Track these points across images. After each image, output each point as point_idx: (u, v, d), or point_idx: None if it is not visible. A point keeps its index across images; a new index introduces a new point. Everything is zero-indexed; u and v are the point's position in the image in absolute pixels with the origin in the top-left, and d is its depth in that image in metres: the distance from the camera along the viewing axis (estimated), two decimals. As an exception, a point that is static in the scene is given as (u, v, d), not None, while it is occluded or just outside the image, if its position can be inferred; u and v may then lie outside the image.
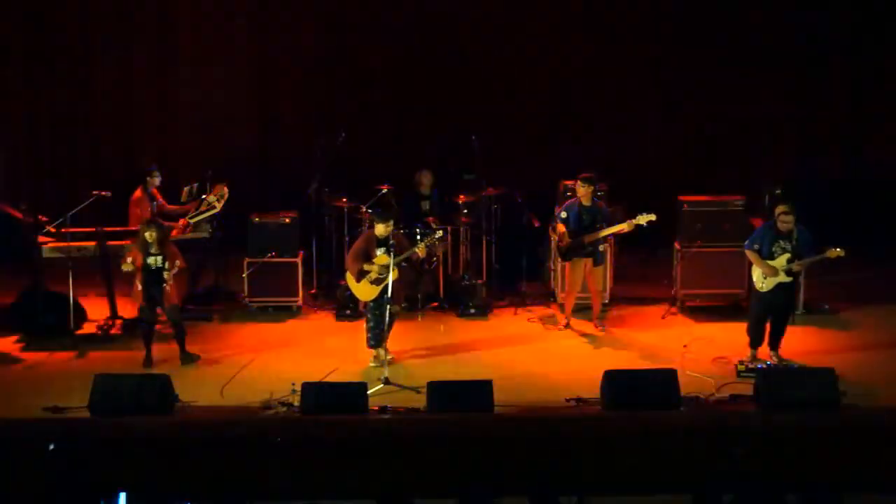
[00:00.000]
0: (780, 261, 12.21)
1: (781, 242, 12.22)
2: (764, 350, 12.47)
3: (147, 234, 12.44)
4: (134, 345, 13.04)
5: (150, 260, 12.43)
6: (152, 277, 12.45)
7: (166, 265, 12.45)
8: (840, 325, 13.73)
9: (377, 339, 12.47)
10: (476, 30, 16.70)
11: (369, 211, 14.31)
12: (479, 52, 16.70)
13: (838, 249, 12.06)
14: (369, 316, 12.52)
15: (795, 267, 12.20)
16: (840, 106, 16.98)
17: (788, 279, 12.25)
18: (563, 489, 8.50)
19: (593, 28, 16.75)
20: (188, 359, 12.61)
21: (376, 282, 12.36)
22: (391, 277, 12.20)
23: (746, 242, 12.49)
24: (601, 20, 16.73)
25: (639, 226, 13.19)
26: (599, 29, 16.75)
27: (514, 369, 12.38)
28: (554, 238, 13.97)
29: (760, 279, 12.31)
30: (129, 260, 12.45)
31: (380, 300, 12.34)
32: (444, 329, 13.82)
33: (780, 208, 12.32)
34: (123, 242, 13.54)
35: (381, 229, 12.39)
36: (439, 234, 13.17)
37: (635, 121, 16.82)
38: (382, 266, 12.31)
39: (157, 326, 12.80)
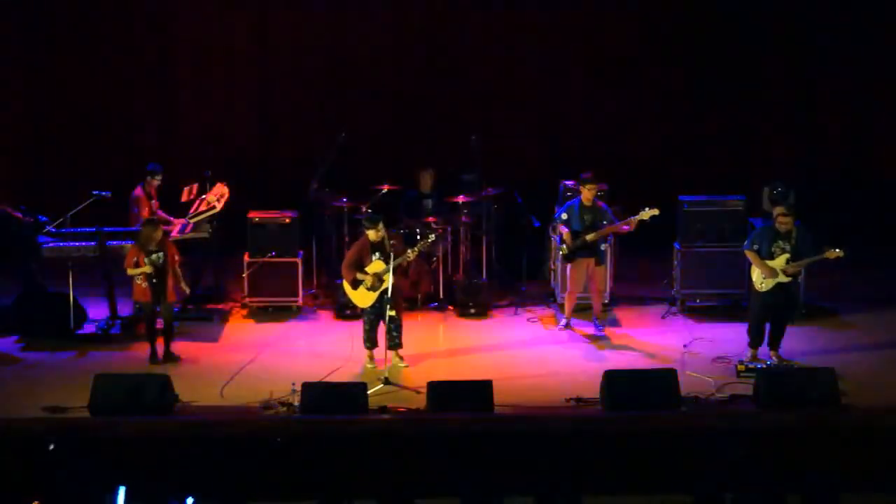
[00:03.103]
0: (780, 261, 12.19)
1: (781, 242, 12.19)
2: (764, 350, 12.47)
3: (153, 233, 12.49)
4: (134, 345, 13.06)
5: (154, 257, 12.46)
6: (157, 275, 12.47)
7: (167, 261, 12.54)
8: (840, 325, 13.71)
9: (372, 341, 12.46)
10: (476, 29, 16.70)
11: (368, 211, 14.31)
12: (480, 51, 16.70)
13: (837, 250, 12.02)
14: (365, 319, 12.50)
15: (791, 268, 12.16)
16: (841, 105, 16.97)
17: (787, 279, 12.23)
18: (563, 489, 8.51)
19: (593, 27, 16.75)
20: (171, 358, 12.60)
21: (372, 289, 12.34)
22: (389, 283, 12.14)
23: (746, 242, 12.47)
24: (601, 19, 16.73)
25: (642, 222, 13.19)
26: (599, 28, 16.74)
27: (514, 369, 12.37)
28: (555, 241, 13.93)
29: (760, 279, 12.28)
30: (133, 261, 12.45)
31: (378, 304, 12.30)
32: (445, 328, 13.83)
33: (777, 209, 12.32)
34: (123, 242, 13.56)
35: (372, 234, 12.29)
36: (432, 237, 13.09)
37: (635, 120, 16.82)
38: (376, 274, 12.27)
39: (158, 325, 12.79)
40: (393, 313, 12.24)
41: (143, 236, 12.57)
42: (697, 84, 16.73)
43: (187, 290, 13.00)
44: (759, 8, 16.69)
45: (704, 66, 16.72)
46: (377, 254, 12.29)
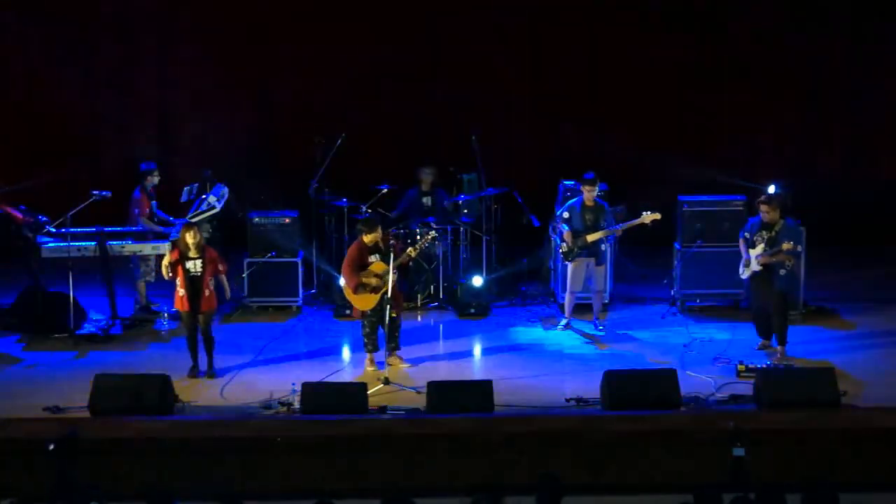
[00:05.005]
0: (758, 250, 12.43)
1: (763, 233, 12.44)
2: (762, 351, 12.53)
3: (188, 237, 11.96)
4: (134, 345, 13.07)
5: (189, 265, 11.97)
6: (193, 284, 12.00)
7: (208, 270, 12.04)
8: (840, 325, 13.72)
9: (373, 344, 12.41)
10: (476, 29, 16.69)
11: (369, 211, 14.31)
12: (480, 51, 16.69)
13: (790, 243, 12.14)
14: (365, 322, 12.41)
15: (758, 261, 12.34)
16: (841, 105, 16.97)
17: (759, 268, 12.41)
18: (563, 489, 8.50)
19: (593, 27, 16.75)
20: (213, 372, 12.20)
21: (375, 290, 12.27)
22: (390, 283, 12.12)
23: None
24: (601, 19, 16.73)
25: (643, 224, 13.21)
26: (600, 27, 16.75)
27: (514, 369, 12.37)
28: (555, 241, 13.94)
29: (742, 267, 12.60)
30: (168, 264, 11.93)
31: (379, 306, 12.27)
32: (445, 328, 13.83)
33: (759, 200, 12.58)
34: (123, 242, 13.56)
35: (368, 238, 12.24)
36: (433, 234, 13.10)
37: (635, 120, 16.81)
38: (378, 275, 12.23)
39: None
40: (394, 314, 12.26)
41: (179, 240, 12.12)
42: (698, 82, 16.73)
43: (227, 295, 12.52)
44: (759, 6, 16.72)
45: (704, 65, 16.71)
46: (375, 255, 12.27)
